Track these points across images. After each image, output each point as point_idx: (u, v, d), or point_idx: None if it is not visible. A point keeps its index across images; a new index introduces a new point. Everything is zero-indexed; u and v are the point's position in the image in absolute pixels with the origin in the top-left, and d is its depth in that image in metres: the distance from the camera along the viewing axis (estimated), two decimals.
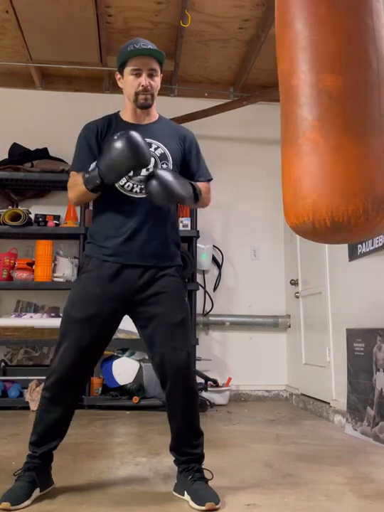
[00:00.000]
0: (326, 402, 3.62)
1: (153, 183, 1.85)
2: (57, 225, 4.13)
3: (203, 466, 1.93)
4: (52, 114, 4.55)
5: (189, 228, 4.18)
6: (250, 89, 4.71)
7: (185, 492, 1.86)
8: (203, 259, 4.44)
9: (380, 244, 2.91)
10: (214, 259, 4.59)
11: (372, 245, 3.00)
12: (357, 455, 2.56)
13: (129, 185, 1.95)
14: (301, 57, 1.65)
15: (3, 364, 4.04)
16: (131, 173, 1.91)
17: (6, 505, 1.72)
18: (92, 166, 1.91)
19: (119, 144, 1.79)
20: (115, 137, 1.81)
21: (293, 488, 2.00)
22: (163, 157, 1.98)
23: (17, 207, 4.26)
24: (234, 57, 4.38)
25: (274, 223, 4.70)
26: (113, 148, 1.79)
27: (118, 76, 2.03)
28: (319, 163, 1.59)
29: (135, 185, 1.94)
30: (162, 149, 1.99)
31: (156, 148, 1.98)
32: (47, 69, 4.51)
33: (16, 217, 3.98)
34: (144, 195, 1.93)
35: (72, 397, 1.92)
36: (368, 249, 3.06)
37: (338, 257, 3.50)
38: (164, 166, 1.97)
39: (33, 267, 4.02)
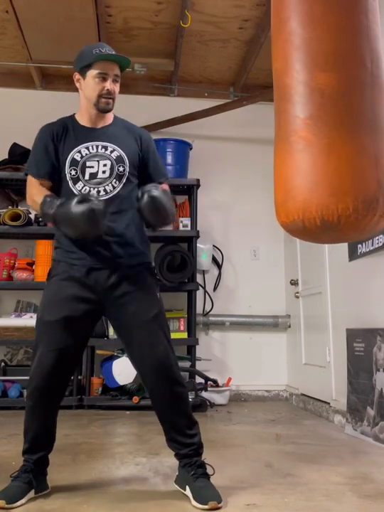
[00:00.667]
0: (326, 402, 3.62)
1: (153, 205, 1.85)
2: None
3: (204, 459, 1.93)
4: (52, 114, 4.52)
5: (189, 228, 4.18)
6: (250, 89, 4.71)
7: (187, 487, 1.87)
8: (203, 259, 4.44)
9: (380, 244, 2.91)
10: (214, 259, 4.59)
11: (372, 245, 3.00)
12: (357, 455, 2.56)
13: (86, 189, 1.95)
14: (295, 56, 1.65)
15: (3, 364, 4.04)
16: (106, 175, 1.96)
17: (1, 503, 1.74)
18: (53, 201, 1.86)
19: (82, 210, 1.74)
20: (81, 199, 1.77)
21: (293, 488, 2.00)
22: (119, 160, 1.99)
23: (17, 207, 4.26)
24: (234, 57, 4.38)
25: (274, 223, 4.64)
26: (75, 210, 1.75)
27: (77, 77, 2.03)
28: (311, 161, 1.58)
29: (92, 189, 1.95)
30: (118, 152, 2.00)
31: (112, 151, 1.99)
32: (47, 69, 4.50)
33: (15, 217, 3.98)
34: (101, 198, 1.92)
35: (54, 402, 1.92)
36: (367, 249, 3.06)
37: (338, 257, 3.50)
38: (121, 168, 1.98)
39: (33, 267, 4.02)
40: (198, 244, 4.25)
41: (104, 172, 1.96)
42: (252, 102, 4.47)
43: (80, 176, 1.95)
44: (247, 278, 4.62)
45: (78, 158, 1.96)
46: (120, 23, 3.91)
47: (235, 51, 4.27)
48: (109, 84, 1.96)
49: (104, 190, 1.96)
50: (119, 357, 3.90)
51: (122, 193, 1.98)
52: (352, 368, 3.10)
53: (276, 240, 4.70)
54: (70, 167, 1.95)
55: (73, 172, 1.95)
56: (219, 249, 4.61)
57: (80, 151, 1.97)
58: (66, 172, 1.96)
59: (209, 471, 1.91)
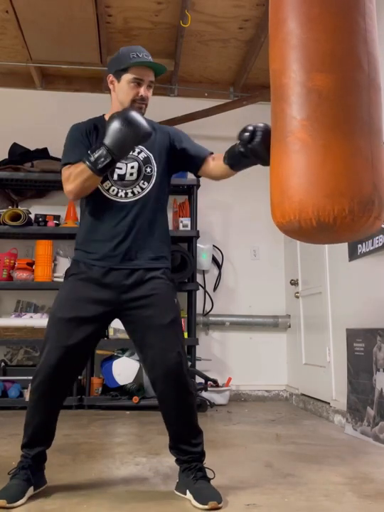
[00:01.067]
0: (326, 402, 3.62)
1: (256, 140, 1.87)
2: (57, 225, 4.13)
3: (205, 465, 1.93)
4: (52, 114, 4.55)
5: (189, 228, 4.18)
6: (250, 89, 4.71)
7: (188, 491, 1.86)
8: (203, 259, 4.44)
9: (380, 244, 2.91)
10: (214, 259, 4.59)
11: (372, 245, 3.00)
12: (357, 455, 2.56)
13: (114, 190, 1.96)
14: (292, 56, 1.65)
15: (3, 364, 4.04)
16: (134, 176, 1.94)
17: (2, 502, 1.74)
18: (94, 150, 1.85)
19: (120, 120, 1.80)
20: (115, 115, 1.82)
21: (293, 488, 2.00)
22: (146, 161, 1.99)
23: (17, 207, 4.26)
24: (234, 57, 4.38)
25: (274, 223, 4.70)
26: (116, 124, 1.80)
27: (111, 79, 2.01)
28: (307, 162, 1.59)
29: (120, 190, 1.95)
30: (145, 153, 2.00)
31: (139, 153, 1.99)
32: (47, 69, 4.51)
33: (16, 217, 3.98)
34: (129, 199, 1.95)
35: (58, 399, 1.92)
36: (367, 249, 3.06)
37: (338, 257, 3.50)
38: (148, 169, 1.99)
39: (33, 267, 4.02)
40: (198, 244, 4.25)
41: (131, 174, 1.96)
42: (252, 102, 4.47)
43: (109, 176, 1.95)
44: (247, 278, 4.62)
45: None
46: (120, 23, 3.91)
47: (235, 51, 4.28)
48: (143, 90, 1.96)
49: (132, 192, 1.96)
50: (119, 357, 3.91)
51: (151, 195, 1.99)
52: (352, 368, 3.10)
53: (276, 240, 4.70)
54: None
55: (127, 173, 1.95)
56: (219, 249, 4.62)
57: None
58: None
59: (209, 474, 1.91)
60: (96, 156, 1.81)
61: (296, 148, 1.60)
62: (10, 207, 4.20)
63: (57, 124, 4.55)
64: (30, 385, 1.92)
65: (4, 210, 4.04)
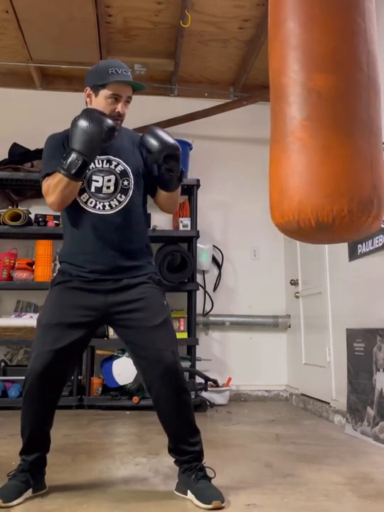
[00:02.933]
0: (326, 402, 3.62)
1: (149, 137, 1.91)
2: (57, 225, 4.12)
3: (205, 464, 1.93)
4: (52, 114, 4.55)
5: (189, 228, 4.17)
6: (250, 89, 4.71)
7: (189, 491, 1.87)
8: (203, 259, 4.43)
9: (380, 244, 2.91)
10: (214, 259, 4.59)
11: (372, 245, 3.00)
12: (357, 455, 2.56)
13: (91, 202, 1.96)
14: (292, 56, 1.65)
15: (3, 364, 4.04)
16: (111, 189, 1.96)
17: None
18: (65, 157, 1.87)
19: (82, 120, 1.82)
20: (76, 118, 1.84)
21: (293, 488, 2.00)
22: (123, 174, 1.99)
23: (17, 207, 4.26)
24: (234, 57, 4.38)
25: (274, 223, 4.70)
26: (79, 126, 1.82)
27: (88, 92, 2.00)
28: (306, 162, 1.59)
29: (98, 202, 1.96)
30: (122, 166, 2.00)
31: (116, 166, 2.00)
32: (47, 69, 4.51)
33: (15, 217, 3.98)
34: (107, 212, 1.95)
35: (48, 403, 1.91)
36: (367, 249, 3.06)
37: (338, 257, 3.50)
38: (125, 182, 1.98)
39: (33, 267, 4.02)
40: (198, 244, 4.25)
41: (108, 187, 1.97)
42: (252, 102, 4.47)
43: (86, 188, 1.96)
44: (247, 278, 4.62)
45: (92, 168, 1.96)
46: (120, 23, 3.91)
47: (235, 51, 4.27)
48: (120, 107, 1.97)
49: (109, 205, 1.97)
50: (119, 357, 3.91)
51: (129, 206, 1.99)
52: (352, 368, 3.10)
53: (276, 239, 4.69)
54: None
55: (81, 185, 1.95)
56: (219, 249, 4.61)
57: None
58: None
59: (210, 474, 1.91)
60: (68, 162, 1.82)
61: (296, 148, 1.60)
62: (10, 207, 4.20)
63: (57, 124, 4.54)
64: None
65: (4, 210, 4.04)
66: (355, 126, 1.59)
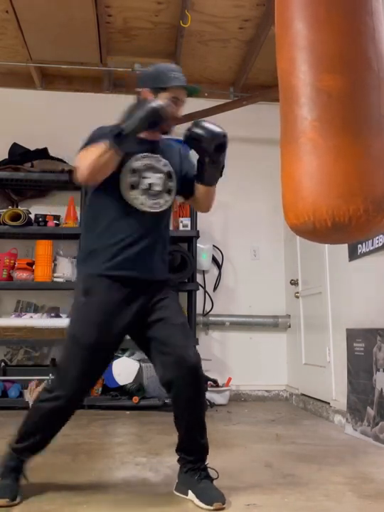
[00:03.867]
0: (326, 402, 3.62)
1: (200, 128, 1.94)
2: (57, 225, 4.13)
3: (207, 464, 1.94)
4: (52, 114, 4.55)
5: (189, 228, 4.17)
6: (250, 89, 4.71)
7: (190, 491, 1.87)
8: (203, 259, 4.44)
9: (380, 244, 2.91)
10: (214, 259, 4.59)
11: (372, 245, 3.00)
12: (357, 455, 2.56)
13: (138, 199, 1.94)
14: (301, 57, 1.65)
15: (3, 364, 4.04)
16: (159, 187, 1.95)
17: (3, 502, 1.75)
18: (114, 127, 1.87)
19: (137, 104, 1.86)
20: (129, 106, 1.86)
21: (293, 488, 2.00)
22: (169, 175, 2.01)
23: (17, 207, 4.26)
24: (234, 57, 4.38)
25: (274, 223, 4.70)
26: (128, 108, 1.85)
27: (147, 93, 2.01)
28: (319, 163, 1.59)
29: (146, 200, 1.95)
30: (169, 167, 2.02)
31: (164, 165, 2.01)
32: (47, 69, 4.51)
33: (16, 217, 3.98)
34: (153, 210, 1.95)
35: (74, 412, 1.97)
36: (367, 249, 3.06)
37: (338, 257, 3.50)
38: (171, 183, 2.01)
39: (33, 267, 4.02)
40: (198, 244, 4.25)
41: (158, 185, 1.97)
42: (252, 102, 4.47)
43: (139, 184, 1.94)
44: (247, 278, 4.62)
45: (137, 166, 1.94)
46: (120, 23, 3.91)
47: (235, 51, 4.27)
48: (177, 111, 2.00)
49: (158, 203, 1.97)
50: (119, 357, 3.90)
51: (169, 208, 2.03)
52: (352, 368, 3.10)
53: (276, 240, 4.70)
54: (130, 173, 1.93)
55: (133, 179, 1.93)
56: (219, 249, 4.61)
57: (138, 160, 1.95)
58: (124, 177, 1.93)
59: (212, 475, 1.92)
60: (112, 129, 1.84)
61: (308, 149, 1.60)
62: (10, 207, 4.20)
63: (57, 124, 4.58)
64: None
65: (4, 210, 4.04)
66: (366, 126, 1.59)
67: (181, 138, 2.02)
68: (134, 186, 1.93)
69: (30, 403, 3.57)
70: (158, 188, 1.96)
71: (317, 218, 1.57)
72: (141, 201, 1.94)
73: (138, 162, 1.94)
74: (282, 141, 1.72)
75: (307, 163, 1.60)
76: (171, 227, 4.30)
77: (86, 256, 1.98)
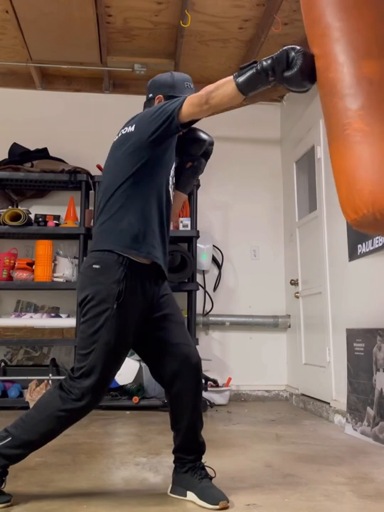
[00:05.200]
0: (326, 402, 3.62)
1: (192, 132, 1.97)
2: (57, 225, 4.13)
3: (205, 463, 1.94)
4: (52, 114, 4.56)
5: (189, 228, 4.17)
6: None
7: (190, 492, 1.86)
8: (203, 259, 4.44)
9: (380, 244, 2.91)
10: (214, 259, 4.59)
11: (372, 245, 3.00)
12: (357, 455, 2.56)
13: (170, 190, 1.99)
14: (336, 50, 1.62)
15: (3, 364, 4.05)
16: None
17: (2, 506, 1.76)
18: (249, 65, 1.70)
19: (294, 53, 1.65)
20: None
21: (293, 488, 2.00)
22: (173, 170, 2.05)
23: (17, 207, 4.26)
24: (234, 57, 4.38)
25: (274, 223, 4.70)
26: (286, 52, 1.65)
27: (161, 99, 2.03)
28: (370, 152, 1.53)
29: (170, 190, 2.00)
30: (173, 164, 2.05)
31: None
32: (47, 69, 4.51)
33: (16, 217, 3.98)
34: (170, 201, 2.00)
35: None
36: (368, 249, 3.06)
37: (338, 257, 3.50)
38: (173, 179, 2.04)
39: (33, 267, 4.02)
40: (198, 244, 4.25)
41: (173, 178, 2.03)
42: (252, 102, 4.46)
43: (169, 176, 1.99)
44: (247, 278, 4.62)
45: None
46: (120, 23, 3.91)
47: (235, 51, 4.27)
48: None
49: (171, 196, 2.02)
50: None
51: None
52: (352, 368, 3.10)
53: (276, 240, 4.71)
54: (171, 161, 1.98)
55: (172, 172, 2.00)
56: (219, 249, 4.62)
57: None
58: (171, 164, 1.98)
59: (210, 473, 1.92)
60: (244, 69, 1.70)
61: (357, 140, 1.56)
62: (10, 207, 4.20)
63: (57, 124, 4.58)
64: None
65: (4, 210, 4.04)
66: None
67: None
68: (169, 175, 1.99)
69: (30, 403, 3.58)
70: (173, 181, 2.02)
71: (377, 209, 1.53)
72: (170, 192, 2.00)
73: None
74: (329, 138, 1.67)
75: (358, 154, 1.56)
76: (171, 227, 4.35)
77: (126, 236, 1.84)
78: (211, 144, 2.04)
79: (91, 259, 1.87)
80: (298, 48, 1.64)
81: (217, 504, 1.77)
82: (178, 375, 1.89)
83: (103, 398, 1.89)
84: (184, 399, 1.91)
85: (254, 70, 1.66)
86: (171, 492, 1.92)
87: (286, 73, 1.63)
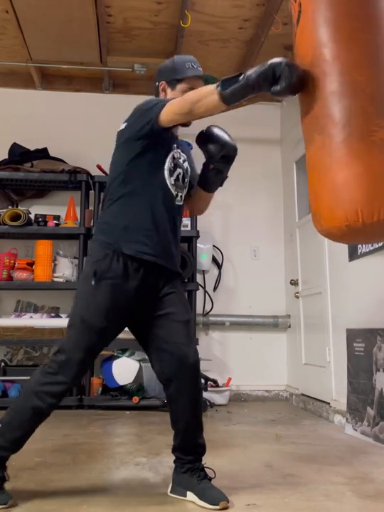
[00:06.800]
0: (326, 402, 3.62)
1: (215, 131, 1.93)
2: (57, 225, 4.13)
3: (205, 464, 1.93)
4: (52, 114, 4.56)
5: (189, 228, 4.17)
6: None
7: (190, 492, 1.86)
8: (203, 259, 4.44)
9: (380, 244, 2.91)
10: (214, 259, 4.59)
11: (372, 245, 3.00)
12: (357, 455, 2.56)
13: (173, 189, 1.97)
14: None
15: (3, 364, 4.05)
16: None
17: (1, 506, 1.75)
18: (234, 76, 1.75)
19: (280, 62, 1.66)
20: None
21: (293, 488, 2.00)
22: (187, 172, 2.05)
23: (17, 207, 4.26)
24: (234, 57, 4.38)
25: (274, 223, 4.70)
26: (275, 61, 1.67)
27: (164, 86, 2.03)
28: None
29: (175, 191, 1.98)
30: (187, 164, 2.06)
31: (184, 161, 2.05)
32: (47, 69, 4.51)
33: (16, 217, 3.98)
34: (177, 203, 1.99)
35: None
36: (367, 249, 3.06)
37: (338, 257, 3.50)
38: (186, 180, 2.04)
39: (33, 267, 4.02)
40: (198, 244, 4.25)
41: (183, 179, 2.01)
42: (252, 102, 4.46)
43: (173, 173, 1.97)
44: (247, 278, 4.62)
45: (175, 155, 2.00)
46: (120, 23, 3.91)
47: (235, 51, 4.27)
48: None
49: (181, 196, 2.00)
50: (119, 357, 3.91)
51: (183, 204, 2.05)
52: (352, 368, 3.10)
53: (276, 240, 4.71)
54: (171, 159, 1.96)
55: (172, 166, 1.97)
56: (219, 249, 4.62)
57: (173, 150, 1.99)
58: (167, 161, 1.95)
59: (210, 474, 1.91)
60: (228, 82, 1.72)
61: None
62: (10, 207, 4.20)
63: (57, 124, 4.58)
64: (44, 386, 1.83)
65: (4, 210, 4.04)
66: None
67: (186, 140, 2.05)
68: (170, 173, 1.96)
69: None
70: (180, 183, 2.00)
71: None
72: (174, 191, 1.97)
73: (174, 152, 1.99)
74: (345, 136, 1.62)
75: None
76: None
77: (116, 230, 1.88)
78: (233, 149, 1.94)
79: (88, 251, 2.01)
80: (283, 61, 1.63)
81: (217, 504, 1.77)
82: (175, 374, 1.87)
83: (80, 377, 1.87)
84: (180, 399, 1.90)
85: (240, 84, 1.69)
86: (171, 492, 1.92)
87: (274, 88, 1.64)
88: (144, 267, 1.86)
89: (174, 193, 1.97)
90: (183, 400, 1.90)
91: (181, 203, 2.02)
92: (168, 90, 2.03)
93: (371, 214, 1.58)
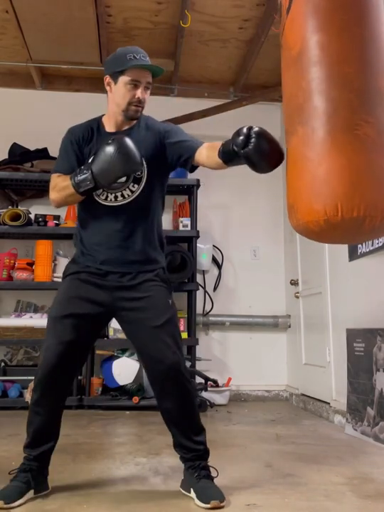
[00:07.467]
0: (326, 402, 3.62)
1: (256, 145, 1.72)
2: (57, 225, 4.13)
3: (209, 463, 1.94)
4: (52, 114, 4.55)
5: (189, 228, 4.17)
6: (250, 89, 4.71)
7: (191, 489, 1.87)
8: (203, 259, 4.43)
9: (380, 244, 2.91)
10: (214, 259, 4.59)
11: (372, 245, 3.00)
12: (357, 455, 2.56)
13: (104, 194, 1.95)
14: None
15: (3, 364, 4.04)
16: (122, 180, 1.92)
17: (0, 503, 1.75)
18: (82, 171, 1.88)
19: (112, 149, 1.80)
20: (109, 142, 1.82)
21: (293, 488, 2.00)
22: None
23: (17, 207, 4.26)
24: (234, 57, 4.38)
25: (274, 223, 4.70)
26: (106, 153, 1.81)
27: (108, 80, 2.01)
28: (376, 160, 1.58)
29: (109, 194, 1.95)
30: (143, 151, 1.99)
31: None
32: (47, 69, 4.51)
33: (16, 217, 3.98)
34: (119, 203, 1.95)
35: (59, 396, 1.92)
36: (367, 249, 3.06)
37: (338, 257, 3.50)
38: (138, 173, 1.96)
39: (33, 267, 4.02)
40: (198, 245, 4.25)
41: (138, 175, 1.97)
42: (252, 102, 4.47)
43: (109, 195, 1.97)
44: (247, 278, 4.62)
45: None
46: (120, 23, 3.91)
47: (235, 51, 4.27)
48: (140, 93, 1.94)
49: (122, 195, 1.96)
50: (119, 357, 3.91)
51: (141, 196, 1.97)
52: (352, 368, 3.10)
53: (276, 240, 4.70)
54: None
55: (105, 196, 1.96)
56: (219, 250, 4.61)
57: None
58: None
59: (213, 473, 1.92)
60: (80, 178, 1.85)
61: (367, 145, 1.59)
62: (10, 207, 4.20)
63: (57, 124, 4.54)
64: (31, 384, 1.94)
65: (4, 210, 4.04)
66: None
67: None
68: (106, 198, 1.96)
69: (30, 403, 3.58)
70: (121, 180, 1.92)
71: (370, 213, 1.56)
72: (105, 196, 1.95)
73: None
74: (330, 128, 1.61)
75: (368, 156, 1.58)
76: (171, 227, 4.35)
77: (75, 242, 2.08)
78: (261, 157, 1.80)
79: None
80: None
81: (208, 503, 1.77)
82: (155, 378, 1.90)
83: (51, 365, 1.86)
84: (164, 402, 1.90)
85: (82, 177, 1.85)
86: (180, 486, 1.95)
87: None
88: (96, 273, 1.94)
89: (106, 198, 1.95)
90: (167, 403, 1.89)
91: (126, 201, 1.95)
92: (112, 84, 1.99)
93: (351, 209, 1.56)
